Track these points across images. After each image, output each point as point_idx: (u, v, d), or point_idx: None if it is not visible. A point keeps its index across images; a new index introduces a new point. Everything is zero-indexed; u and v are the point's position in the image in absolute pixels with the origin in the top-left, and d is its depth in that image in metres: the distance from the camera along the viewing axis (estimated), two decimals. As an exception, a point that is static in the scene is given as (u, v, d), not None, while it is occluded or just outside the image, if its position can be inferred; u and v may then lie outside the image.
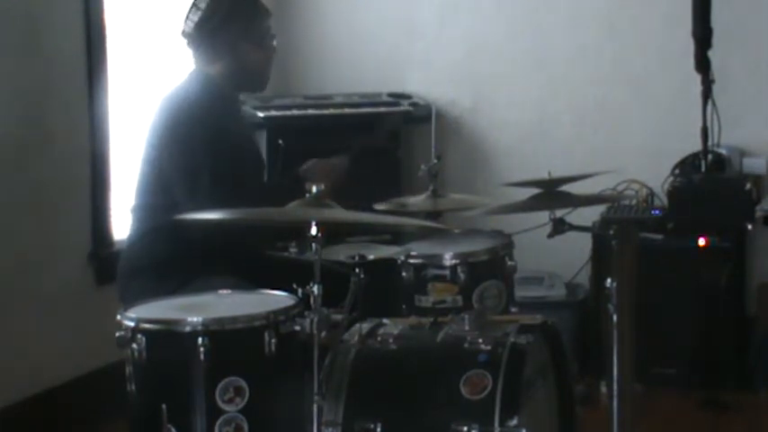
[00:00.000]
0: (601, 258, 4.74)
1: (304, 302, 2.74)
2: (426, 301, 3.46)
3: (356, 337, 2.90)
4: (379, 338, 2.91)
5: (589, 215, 4.36)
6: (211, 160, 3.38)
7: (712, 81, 4.63)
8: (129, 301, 3.04)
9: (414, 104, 5.33)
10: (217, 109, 3.50)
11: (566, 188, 3.01)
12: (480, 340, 2.82)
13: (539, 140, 5.33)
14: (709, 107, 4.64)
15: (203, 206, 3.09)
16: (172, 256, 3.45)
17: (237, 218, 2.91)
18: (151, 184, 3.53)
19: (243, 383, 2.66)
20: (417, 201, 3.65)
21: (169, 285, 3.24)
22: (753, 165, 4.96)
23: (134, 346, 2.69)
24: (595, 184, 3.51)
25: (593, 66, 5.28)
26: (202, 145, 3.40)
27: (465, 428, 2.69)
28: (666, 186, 4.76)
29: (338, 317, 2.75)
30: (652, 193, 5.02)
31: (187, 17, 3.56)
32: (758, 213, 4.48)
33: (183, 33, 3.57)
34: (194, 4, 3.55)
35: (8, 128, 4.03)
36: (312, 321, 2.66)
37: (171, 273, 3.39)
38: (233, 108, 3.67)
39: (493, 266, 3.52)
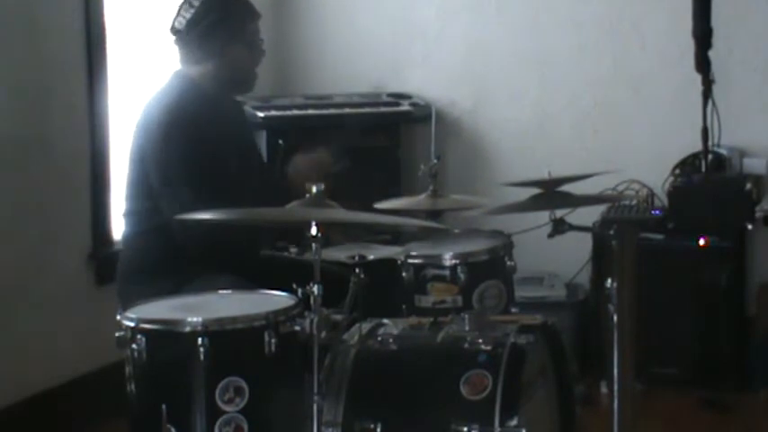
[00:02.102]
0: (601, 258, 4.74)
1: (304, 302, 2.74)
2: (426, 301, 3.46)
3: (356, 337, 2.90)
4: (379, 338, 2.91)
5: (589, 215, 4.35)
6: (187, 165, 3.37)
7: (712, 81, 4.63)
8: (128, 303, 3.04)
9: (414, 104, 5.33)
10: (195, 112, 3.45)
11: (566, 188, 3.01)
12: (480, 340, 2.82)
13: (538, 140, 5.33)
14: (709, 107, 4.64)
15: (183, 209, 3.07)
16: (166, 257, 3.45)
17: (237, 218, 2.91)
18: (138, 190, 3.52)
19: (243, 383, 2.66)
20: (417, 201, 3.65)
21: (167, 286, 3.24)
22: (753, 165, 4.96)
23: (134, 346, 2.69)
24: (595, 184, 3.51)
25: (594, 66, 5.28)
26: (178, 150, 3.39)
27: (465, 429, 2.69)
28: (666, 186, 4.77)
29: (338, 317, 2.75)
30: (652, 193, 5.02)
31: (178, 13, 3.52)
32: (758, 213, 4.49)
33: (173, 30, 3.53)
34: (187, 1, 3.51)
35: (8, 128, 4.04)
36: (312, 321, 2.66)
37: (167, 274, 3.38)
38: (217, 109, 3.59)
39: (493, 266, 3.52)
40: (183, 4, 3.52)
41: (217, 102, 3.61)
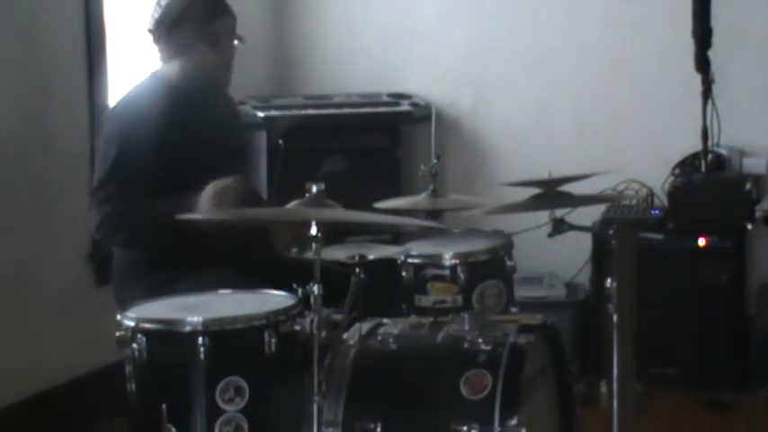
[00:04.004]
0: (601, 258, 4.74)
1: (304, 302, 2.74)
2: (426, 300, 3.46)
3: (356, 337, 2.90)
4: (379, 338, 2.91)
5: (589, 215, 4.36)
6: (113, 168, 3.37)
7: (712, 81, 4.63)
8: (123, 300, 3.03)
9: (414, 104, 5.33)
10: (155, 116, 3.43)
11: (566, 188, 3.01)
12: (480, 340, 2.82)
13: (539, 140, 5.33)
14: (710, 107, 4.65)
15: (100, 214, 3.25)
16: (153, 256, 3.44)
17: (237, 218, 2.90)
18: None
19: (243, 383, 2.66)
20: (417, 200, 3.65)
21: (156, 284, 3.22)
22: (753, 165, 4.96)
23: (134, 345, 2.69)
24: (595, 184, 3.51)
25: (593, 66, 5.28)
26: (109, 154, 3.40)
27: (465, 428, 2.69)
28: (666, 186, 4.77)
29: (338, 317, 2.75)
30: (652, 193, 5.02)
31: (151, 14, 3.57)
32: (758, 213, 4.49)
33: (148, 30, 3.58)
34: (157, 2, 3.56)
35: (8, 128, 4.04)
36: (312, 321, 2.66)
37: (156, 272, 3.37)
38: (185, 109, 3.54)
39: (493, 266, 3.52)
40: (154, 5, 3.55)
41: (189, 100, 3.56)
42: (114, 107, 3.59)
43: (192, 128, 3.51)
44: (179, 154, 3.41)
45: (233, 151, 3.78)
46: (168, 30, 3.52)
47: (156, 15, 3.54)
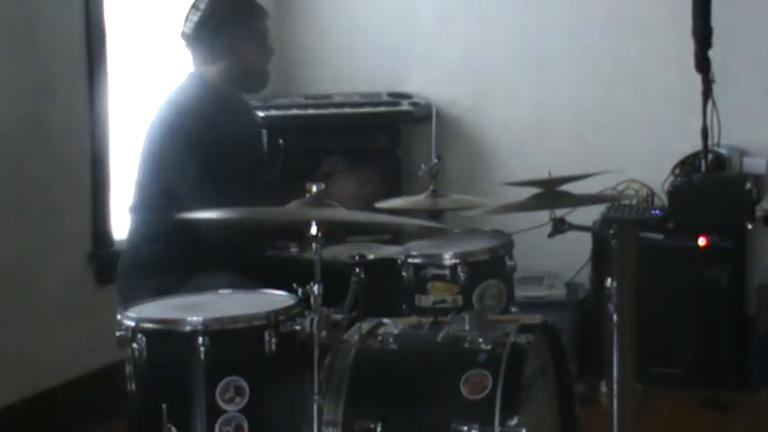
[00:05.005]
0: (601, 258, 4.74)
1: (304, 302, 2.74)
2: (426, 300, 3.46)
3: (356, 337, 2.89)
4: (379, 338, 2.91)
5: (589, 215, 4.36)
6: (202, 166, 3.39)
7: (712, 81, 4.63)
8: (129, 299, 3.04)
9: (414, 104, 5.33)
10: (211, 113, 3.49)
11: (566, 188, 3.01)
12: (480, 340, 2.82)
13: (539, 140, 5.33)
14: (710, 107, 4.65)
15: (202, 209, 3.10)
16: (171, 253, 3.46)
17: (238, 217, 2.91)
18: (150, 184, 3.54)
19: (243, 383, 2.65)
20: (417, 200, 3.65)
21: (169, 282, 3.24)
22: (753, 165, 4.96)
23: (134, 345, 2.69)
24: (595, 183, 3.52)
25: (593, 66, 5.28)
26: (193, 151, 3.41)
27: (465, 428, 2.69)
28: (666, 186, 4.77)
29: (338, 317, 2.75)
30: (652, 193, 5.02)
31: (187, 18, 3.58)
32: (758, 213, 4.49)
33: (183, 35, 3.58)
34: (194, 5, 3.58)
35: (8, 127, 4.04)
36: (312, 321, 2.65)
37: (169, 271, 3.39)
38: (232, 110, 3.64)
39: (493, 266, 3.52)
40: (190, 9, 3.58)
41: (231, 102, 3.65)
42: (170, 113, 3.51)
43: (238, 130, 3.57)
44: (234, 156, 3.47)
45: (264, 149, 3.86)
46: (213, 31, 3.54)
47: (196, 18, 3.55)
